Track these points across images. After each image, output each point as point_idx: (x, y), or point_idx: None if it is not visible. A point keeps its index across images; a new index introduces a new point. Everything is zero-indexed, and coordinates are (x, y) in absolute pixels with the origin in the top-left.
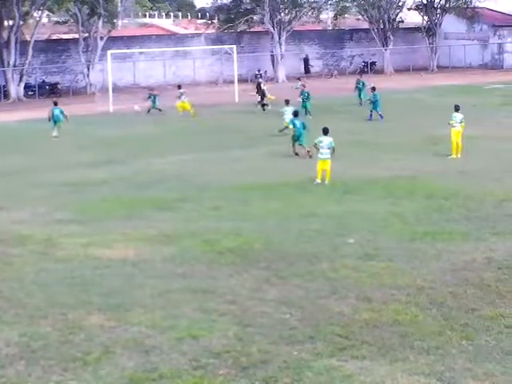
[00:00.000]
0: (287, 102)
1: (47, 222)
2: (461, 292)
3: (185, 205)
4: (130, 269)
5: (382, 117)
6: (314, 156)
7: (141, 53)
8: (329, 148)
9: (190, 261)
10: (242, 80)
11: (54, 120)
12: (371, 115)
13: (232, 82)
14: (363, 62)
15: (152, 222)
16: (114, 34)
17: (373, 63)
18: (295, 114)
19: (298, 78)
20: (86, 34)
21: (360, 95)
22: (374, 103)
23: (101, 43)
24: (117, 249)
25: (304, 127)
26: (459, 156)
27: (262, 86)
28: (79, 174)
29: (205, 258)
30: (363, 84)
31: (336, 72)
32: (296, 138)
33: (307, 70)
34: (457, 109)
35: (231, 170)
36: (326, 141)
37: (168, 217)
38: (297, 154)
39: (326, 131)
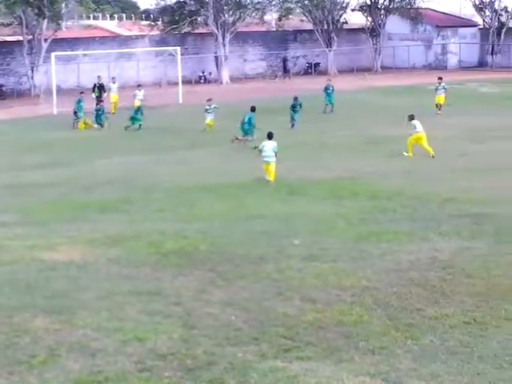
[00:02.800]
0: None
1: None
2: (405, 292)
3: (130, 207)
4: (76, 271)
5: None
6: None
7: (85, 55)
8: (273, 151)
9: (135, 263)
10: (186, 81)
11: None
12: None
13: (176, 84)
14: (307, 63)
15: (97, 225)
16: (58, 36)
17: (317, 64)
18: (252, 109)
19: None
20: (30, 37)
21: (330, 101)
22: (294, 109)
23: (45, 45)
24: (62, 251)
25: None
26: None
27: None
28: (23, 177)
29: (150, 259)
30: (332, 89)
31: (280, 73)
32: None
33: (286, 70)
34: (412, 118)
35: (176, 171)
36: (270, 145)
37: (113, 219)
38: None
39: (270, 136)
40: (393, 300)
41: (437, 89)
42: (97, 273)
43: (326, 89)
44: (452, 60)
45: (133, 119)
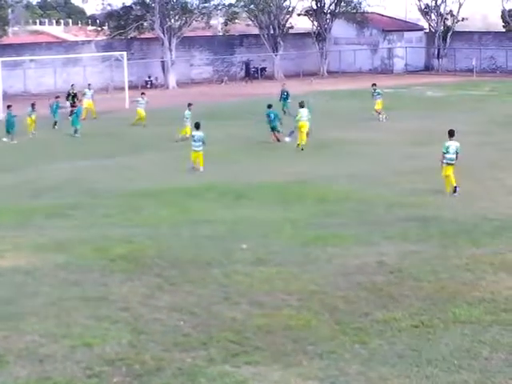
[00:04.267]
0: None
1: None
2: (353, 296)
3: (76, 212)
4: (22, 277)
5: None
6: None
7: (31, 60)
8: (200, 141)
9: (83, 268)
10: (132, 87)
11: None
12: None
13: (123, 89)
14: (254, 67)
15: (43, 230)
16: (4, 41)
17: (263, 69)
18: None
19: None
20: None
21: (284, 105)
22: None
23: None
24: (8, 258)
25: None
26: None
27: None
28: None
29: (97, 265)
30: (287, 94)
31: (226, 78)
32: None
33: (248, 74)
34: (302, 105)
35: (122, 176)
36: (198, 135)
37: (60, 224)
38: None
39: (197, 126)
40: (340, 304)
41: (372, 95)
42: (44, 279)
43: (282, 94)
44: (398, 64)
45: (73, 123)
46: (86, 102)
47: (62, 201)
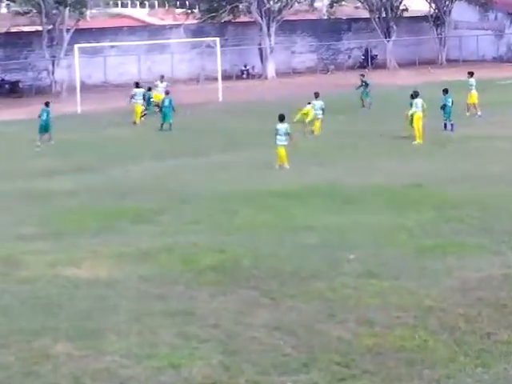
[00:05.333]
0: None
1: (7, 237)
2: (475, 314)
3: (162, 217)
4: (102, 290)
5: (452, 126)
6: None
7: (112, 47)
8: (285, 134)
9: (169, 280)
10: (226, 77)
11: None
12: (446, 124)
13: (215, 79)
14: (363, 55)
15: (126, 237)
16: (81, 25)
17: (374, 57)
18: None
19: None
20: (51, 26)
21: (363, 95)
22: (445, 109)
23: (67, 36)
24: (87, 267)
25: None
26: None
27: None
28: (42, 184)
29: (184, 276)
30: (366, 84)
31: (332, 67)
32: None
33: (368, 62)
34: (416, 95)
35: (214, 177)
36: (283, 128)
37: (144, 231)
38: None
39: (281, 118)
40: (461, 322)
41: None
42: (125, 292)
43: (363, 83)
44: None
45: (165, 117)
46: (156, 95)
47: (148, 204)
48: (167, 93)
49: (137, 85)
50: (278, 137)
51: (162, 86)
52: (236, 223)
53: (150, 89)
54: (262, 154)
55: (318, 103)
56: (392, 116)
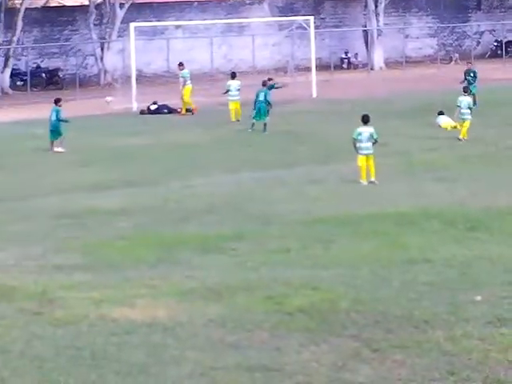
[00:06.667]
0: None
1: (41, 268)
2: None
3: (239, 245)
4: (161, 336)
5: None
6: None
7: (177, 27)
8: (370, 141)
9: (247, 325)
10: (322, 66)
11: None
12: None
13: (308, 70)
14: (496, 41)
15: (192, 270)
16: None
17: (510, 43)
18: None
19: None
20: (100, 0)
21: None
22: None
23: (121, 13)
24: (141, 307)
25: None
26: None
27: None
28: (84, 201)
29: (267, 321)
30: (474, 75)
31: (457, 55)
32: None
33: (503, 50)
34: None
35: (305, 195)
36: (367, 132)
37: (215, 262)
38: None
39: (365, 120)
40: None
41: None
42: (190, 339)
43: (467, 74)
44: None
45: (259, 114)
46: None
47: (219, 229)
48: (264, 84)
49: (233, 75)
50: (360, 144)
51: (186, 73)
52: (333, 254)
53: (270, 79)
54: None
55: (466, 100)
56: None
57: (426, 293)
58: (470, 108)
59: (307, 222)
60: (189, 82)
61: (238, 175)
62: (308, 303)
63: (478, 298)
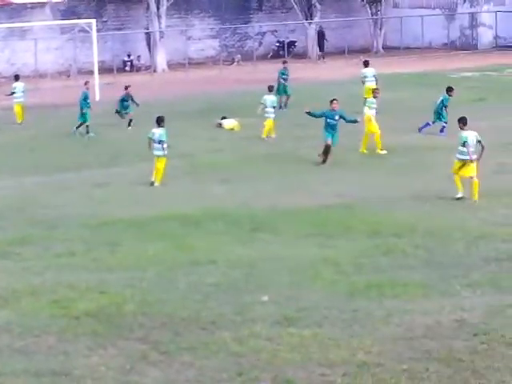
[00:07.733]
0: None
1: None
2: (421, 370)
3: (26, 249)
4: None
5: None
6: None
7: None
8: (161, 142)
9: (34, 330)
10: (105, 69)
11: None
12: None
13: (91, 73)
14: (278, 41)
15: None
16: None
17: (291, 43)
18: None
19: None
20: None
21: (283, 90)
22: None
23: None
24: None
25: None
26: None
27: None
28: None
29: (54, 325)
30: (287, 74)
31: (239, 56)
32: None
33: (322, 48)
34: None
35: (91, 198)
36: (158, 134)
37: (1, 267)
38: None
39: (159, 121)
40: (403, 381)
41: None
42: None
43: (283, 74)
44: (485, 36)
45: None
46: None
47: (3, 233)
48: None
49: (16, 78)
50: (155, 145)
51: (19, 89)
52: (118, 257)
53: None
54: (147, 170)
55: (270, 99)
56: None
57: (212, 294)
58: (273, 107)
59: (93, 225)
60: None
61: (21, 179)
62: (95, 307)
63: (265, 298)
